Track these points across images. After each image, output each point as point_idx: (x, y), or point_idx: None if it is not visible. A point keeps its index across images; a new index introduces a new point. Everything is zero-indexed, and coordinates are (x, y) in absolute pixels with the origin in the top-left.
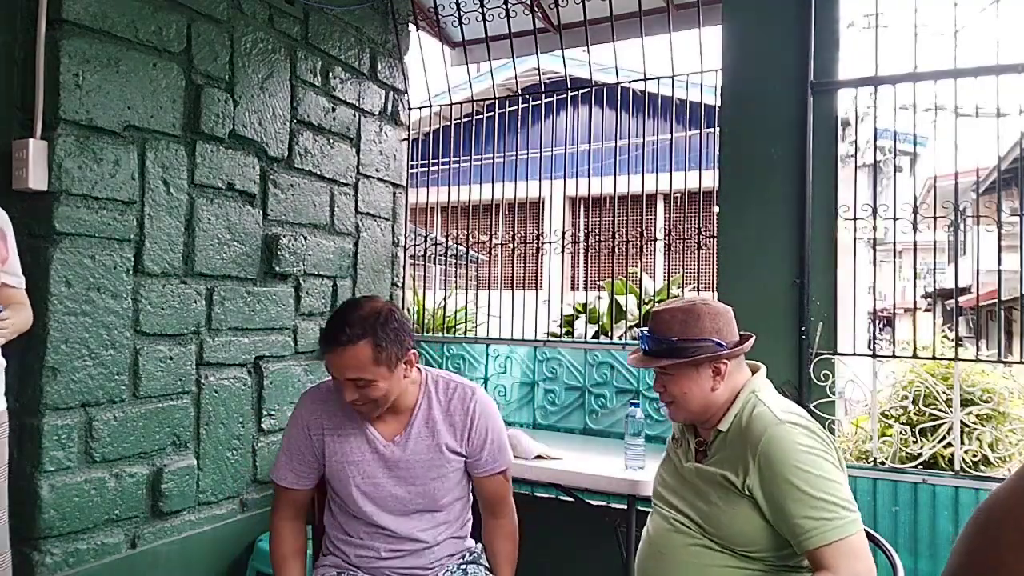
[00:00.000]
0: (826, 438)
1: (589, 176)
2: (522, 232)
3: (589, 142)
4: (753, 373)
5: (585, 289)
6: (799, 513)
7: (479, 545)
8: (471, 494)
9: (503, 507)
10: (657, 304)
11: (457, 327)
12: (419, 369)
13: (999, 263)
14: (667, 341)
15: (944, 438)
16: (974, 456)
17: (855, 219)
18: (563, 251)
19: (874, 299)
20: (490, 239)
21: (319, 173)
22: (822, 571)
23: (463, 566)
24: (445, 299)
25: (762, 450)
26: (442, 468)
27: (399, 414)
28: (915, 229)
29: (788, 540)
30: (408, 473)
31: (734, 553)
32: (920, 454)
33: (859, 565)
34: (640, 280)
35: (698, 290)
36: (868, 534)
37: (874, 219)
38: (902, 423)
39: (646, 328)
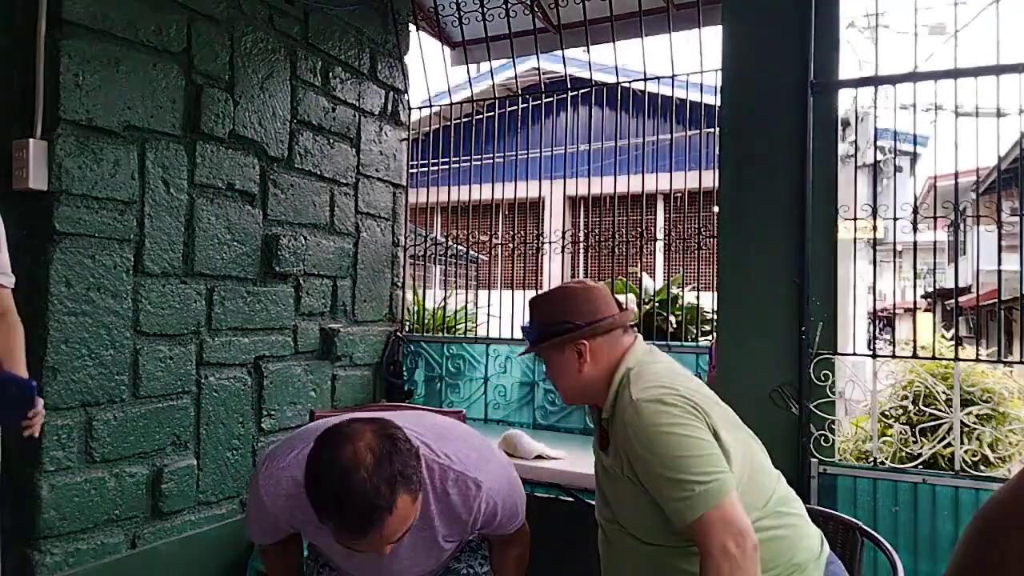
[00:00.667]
0: (682, 402)
1: (589, 176)
2: (522, 232)
3: (589, 142)
4: (630, 348)
5: None
6: (665, 496)
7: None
8: None
9: (518, 533)
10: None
11: (457, 327)
12: None
13: (999, 263)
14: (533, 327)
15: (944, 438)
16: (974, 456)
17: (855, 219)
18: (563, 251)
19: (874, 299)
20: (490, 239)
21: (319, 173)
22: (701, 549)
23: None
24: (445, 299)
25: (627, 437)
26: (441, 552)
27: None
28: (915, 229)
29: None
30: (403, 565)
31: (641, 540)
32: (920, 454)
33: (726, 535)
34: (640, 280)
35: (698, 290)
36: (868, 534)
37: (874, 219)
38: (902, 423)
39: None
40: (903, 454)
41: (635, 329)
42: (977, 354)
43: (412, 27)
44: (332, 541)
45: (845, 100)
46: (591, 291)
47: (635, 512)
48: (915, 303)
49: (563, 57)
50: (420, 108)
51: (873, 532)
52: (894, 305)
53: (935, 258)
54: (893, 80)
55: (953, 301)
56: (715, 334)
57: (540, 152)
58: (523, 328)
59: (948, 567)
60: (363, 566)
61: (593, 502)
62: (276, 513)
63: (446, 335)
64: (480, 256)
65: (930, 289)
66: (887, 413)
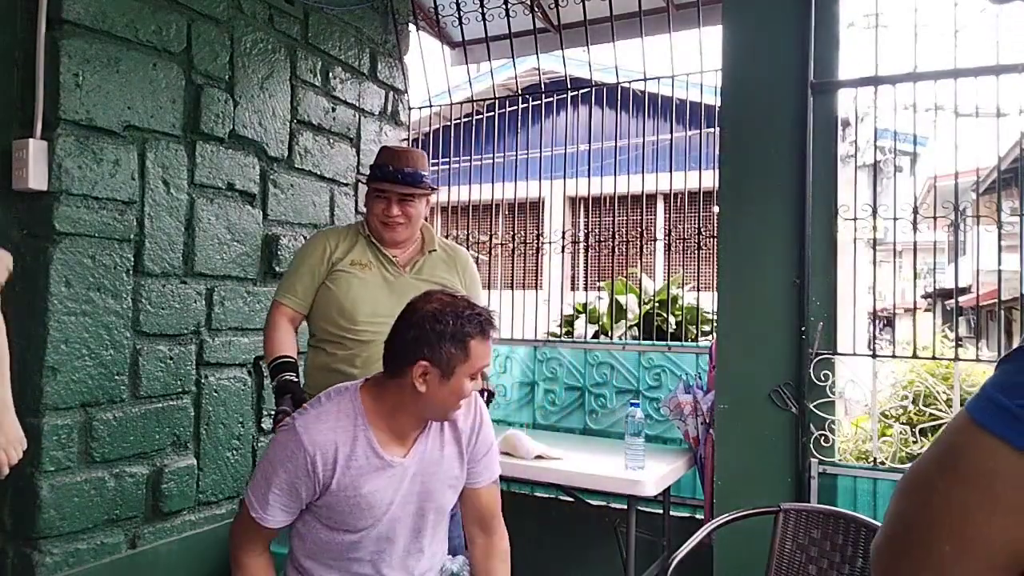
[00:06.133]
0: None
1: (589, 176)
2: (522, 232)
3: (589, 142)
4: None
5: (585, 289)
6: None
7: (459, 558)
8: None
9: (497, 522)
10: (657, 302)
11: None
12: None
13: (999, 263)
14: (420, 174)
15: None
16: None
17: (855, 219)
18: (563, 251)
19: (874, 299)
20: (490, 239)
21: (319, 173)
22: None
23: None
24: None
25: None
26: (452, 480)
27: (413, 431)
28: (915, 229)
29: None
30: (421, 487)
31: None
32: (920, 454)
33: None
34: (640, 280)
35: (698, 290)
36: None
37: (874, 219)
38: (902, 423)
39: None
40: (903, 454)
41: None
42: (977, 354)
43: (412, 27)
44: (361, 479)
45: (845, 100)
46: None
47: None
48: (915, 303)
49: (563, 57)
50: (420, 108)
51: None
52: (894, 305)
53: (935, 258)
54: (893, 80)
55: (953, 301)
56: (715, 334)
57: (540, 152)
58: (410, 172)
59: (880, 531)
60: (380, 496)
61: (593, 503)
62: (313, 454)
63: None
64: (480, 256)
65: (930, 289)
66: (887, 413)
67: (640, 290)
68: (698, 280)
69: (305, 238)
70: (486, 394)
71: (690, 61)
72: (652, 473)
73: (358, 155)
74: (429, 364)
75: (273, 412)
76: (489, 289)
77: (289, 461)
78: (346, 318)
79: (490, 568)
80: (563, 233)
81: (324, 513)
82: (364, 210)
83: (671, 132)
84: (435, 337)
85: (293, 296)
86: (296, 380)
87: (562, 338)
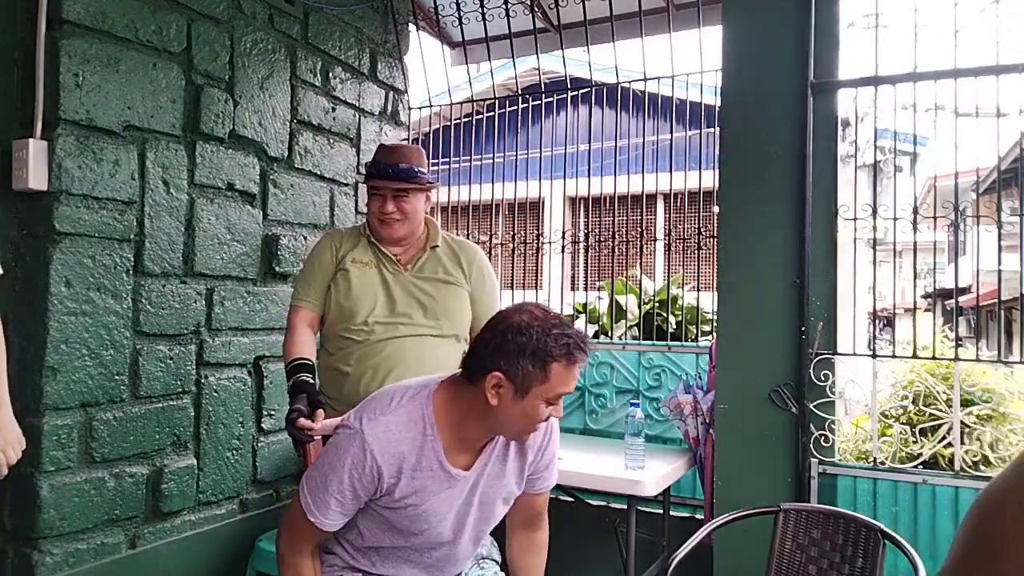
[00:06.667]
0: None
1: (589, 176)
2: (522, 232)
3: (589, 142)
4: None
5: (585, 289)
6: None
7: (488, 538)
8: None
9: (542, 520)
10: (657, 302)
11: None
12: None
13: (999, 263)
14: (416, 170)
15: (944, 438)
16: (974, 456)
17: (855, 219)
18: (563, 251)
19: (874, 299)
20: (490, 239)
21: (319, 173)
22: None
23: (479, 561)
24: None
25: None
26: (507, 494)
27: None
28: (915, 229)
29: None
30: (479, 500)
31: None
32: (920, 454)
33: None
34: (640, 280)
35: (698, 290)
36: (889, 536)
37: (874, 219)
38: (902, 423)
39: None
40: (903, 454)
41: None
42: (977, 354)
43: (412, 27)
44: (424, 487)
45: (845, 100)
46: None
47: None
48: (915, 303)
49: (563, 57)
50: (420, 108)
51: (895, 535)
52: (894, 305)
53: (935, 258)
54: (893, 80)
55: (953, 301)
56: (715, 334)
57: (540, 152)
58: (404, 168)
59: (949, 552)
60: (439, 507)
61: (593, 503)
62: (380, 466)
63: None
64: None
65: (930, 289)
66: (887, 413)
67: (640, 290)
68: (698, 280)
69: (305, 238)
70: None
71: (690, 61)
72: (652, 473)
73: (358, 155)
74: (503, 377)
75: (272, 412)
76: None
77: (355, 468)
78: (345, 318)
79: (530, 561)
80: (563, 233)
81: (379, 513)
82: (364, 210)
83: (671, 132)
84: (515, 349)
85: (308, 298)
86: (312, 381)
87: None
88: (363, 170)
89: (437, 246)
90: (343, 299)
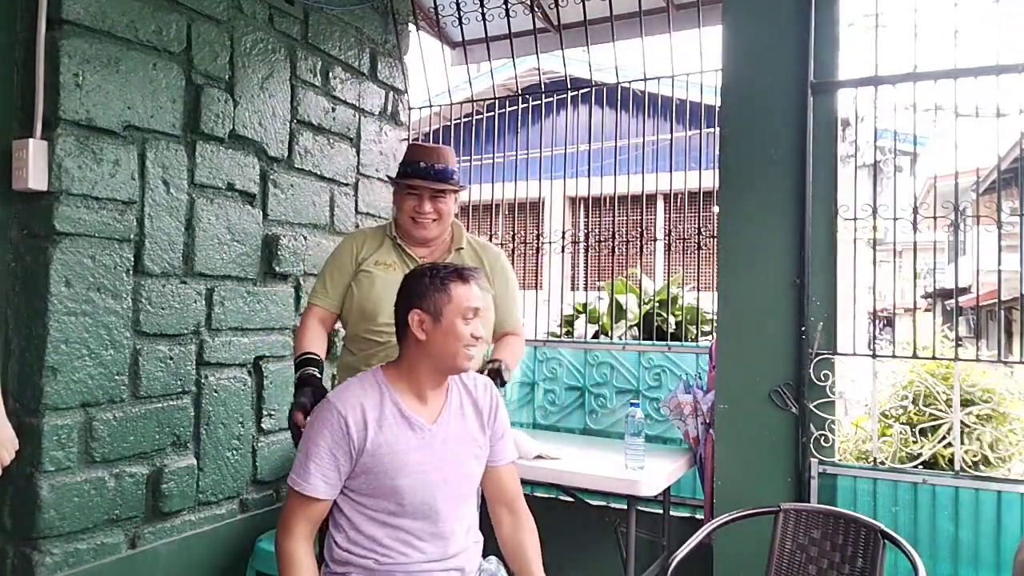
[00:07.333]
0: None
1: (589, 176)
2: (522, 232)
3: (589, 142)
4: None
5: (585, 289)
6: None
7: (492, 559)
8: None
9: (521, 503)
10: (657, 302)
11: None
12: None
13: (999, 263)
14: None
15: (944, 438)
16: (974, 456)
17: (855, 219)
18: (563, 251)
19: (874, 299)
20: (490, 239)
21: (319, 173)
22: None
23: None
24: None
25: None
26: (477, 450)
27: (435, 398)
28: (915, 229)
29: None
30: (451, 454)
31: None
32: (920, 454)
33: None
34: (640, 280)
35: (698, 290)
36: (889, 536)
37: (874, 219)
38: (902, 423)
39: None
40: (903, 454)
41: None
42: (977, 354)
43: (412, 27)
44: (393, 439)
45: (845, 100)
46: None
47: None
48: (915, 303)
49: (563, 57)
50: (420, 108)
51: (895, 535)
52: (894, 305)
53: (935, 258)
54: (893, 80)
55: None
56: (715, 334)
57: (540, 152)
58: (442, 168)
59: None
60: (423, 465)
61: (593, 503)
62: (345, 416)
63: None
64: None
65: (930, 289)
66: (887, 413)
67: (640, 290)
68: (698, 280)
69: (305, 238)
70: (498, 380)
71: (690, 61)
72: (652, 473)
73: (358, 155)
74: (420, 310)
75: (272, 412)
76: None
77: (324, 427)
78: (367, 318)
79: (521, 539)
80: (563, 233)
81: (364, 487)
82: (365, 210)
83: (671, 132)
84: (419, 289)
85: (322, 296)
86: (318, 376)
87: (562, 338)
88: (364, 170)
89: (462, 248)
90: (365, 300)
